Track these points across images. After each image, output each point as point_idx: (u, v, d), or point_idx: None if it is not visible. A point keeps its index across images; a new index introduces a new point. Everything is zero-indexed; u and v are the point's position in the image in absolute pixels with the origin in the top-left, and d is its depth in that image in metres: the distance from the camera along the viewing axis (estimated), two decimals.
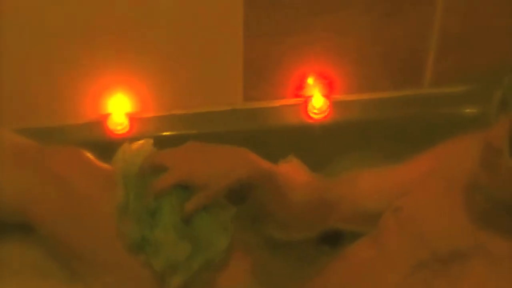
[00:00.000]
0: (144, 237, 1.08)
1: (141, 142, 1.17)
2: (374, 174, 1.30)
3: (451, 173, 1.17)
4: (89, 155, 1.22)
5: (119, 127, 1.47)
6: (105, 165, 1.21)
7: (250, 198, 1.13)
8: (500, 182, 1.00)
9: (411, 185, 1.19)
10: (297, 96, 1.55)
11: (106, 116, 1.48)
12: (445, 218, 1.11)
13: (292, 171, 1.24)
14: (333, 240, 1.35)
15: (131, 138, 1.23)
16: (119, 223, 1.11)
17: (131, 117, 1.49)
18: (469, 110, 1.56)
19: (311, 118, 1.53)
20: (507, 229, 1.05)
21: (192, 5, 1.41)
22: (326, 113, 1.53)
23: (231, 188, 1.09)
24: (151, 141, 1.18)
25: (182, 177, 1.08)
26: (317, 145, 1.51)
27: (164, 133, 1.48)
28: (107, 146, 1.24)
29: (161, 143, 1.18)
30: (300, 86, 1.54)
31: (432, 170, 1.22)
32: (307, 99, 1.54)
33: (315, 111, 1.52)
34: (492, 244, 1.06)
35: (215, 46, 1.46)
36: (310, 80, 1.54)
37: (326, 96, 1.54)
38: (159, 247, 1.08)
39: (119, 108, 1.48)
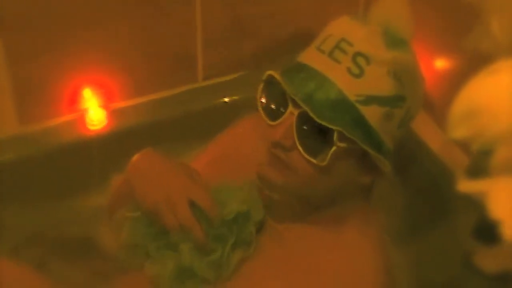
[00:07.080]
0: None
1: None
2: None
3: (234, 156, 1.25)
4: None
5: None
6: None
7: None
8: (297, 178, 1.03)
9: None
10: (73, 111, 1.54)
11: None
12: None
13: None
14: None
15: None
16: None
17: None
18: (238, 97, 1.62)
19: (90, 130, 1.52)
20: (293, 215, 1.12)
21: None
22: (105, 123, 1.53)
23: None
24: None
25: None
26: (99, 156, 1.50)
27: None
28: None
29: None
30: (75, 100, 1.54)
31: (217, 157, 1.28)
32: (84, 112, 1.53)
33: (94, 122, 1.53)
34: (278, 227, 1.14)
35: None
36: (86, 93, 1.54)
37: (104, 106, 1.55)
38: None
39: None
